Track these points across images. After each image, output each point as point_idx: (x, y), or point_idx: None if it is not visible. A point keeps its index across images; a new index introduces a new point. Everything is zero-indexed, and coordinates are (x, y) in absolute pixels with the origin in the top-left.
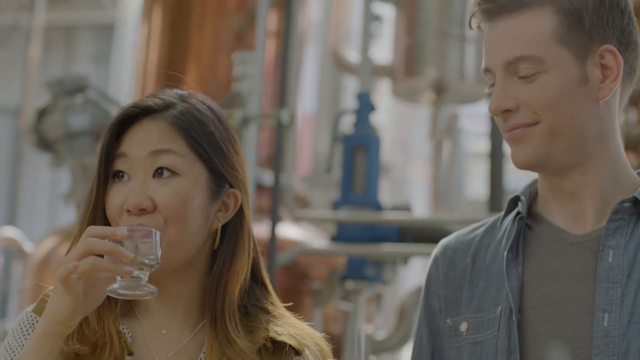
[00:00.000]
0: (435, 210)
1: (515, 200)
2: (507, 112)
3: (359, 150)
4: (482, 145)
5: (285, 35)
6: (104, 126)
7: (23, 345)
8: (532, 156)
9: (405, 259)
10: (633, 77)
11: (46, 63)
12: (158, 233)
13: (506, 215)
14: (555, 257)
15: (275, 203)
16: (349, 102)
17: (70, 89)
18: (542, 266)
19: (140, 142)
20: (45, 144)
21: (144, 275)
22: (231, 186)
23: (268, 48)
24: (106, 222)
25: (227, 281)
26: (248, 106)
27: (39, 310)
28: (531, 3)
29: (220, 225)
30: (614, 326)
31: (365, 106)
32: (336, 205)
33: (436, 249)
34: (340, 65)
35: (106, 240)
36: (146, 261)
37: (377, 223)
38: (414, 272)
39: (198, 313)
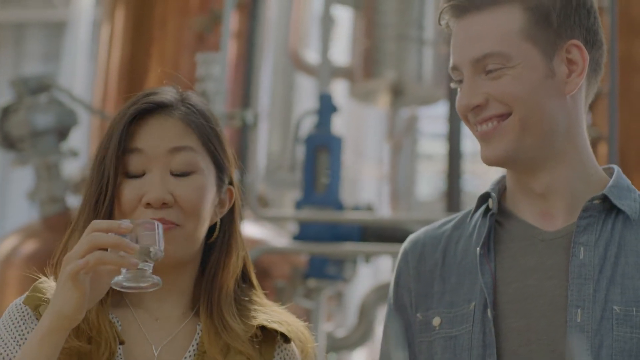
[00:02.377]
0: (393, 210)
1: (485, 197)
2: (476, 108)
3: (321, 150)
4: (432, 146)
5: (250, 37)
6: (68, 125)
7: (15, 337)
8: (503, 152)
9: (366, 257)
10: (598, 75)
11: None
12: (160, 225)
13: (475, 210)
14: (527, 253)
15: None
16: (302, 102)
17: (34, 87)
18: (515, 262)
19: (157, 138)
20: (9, 142)
21: (148, 267)
22: (229, 182)
23: (230, 49)
24: (110, 217)
25: (223, 273)
26: (213, 106)
27: (29, 302)
28: (500, 0)
29: (218, 219)
30: (586, 322)
31: (327, 107)
32: (298, 205)
33: (405, 243)
34: (298, 65)
35: (110, 233)
36: (151, 253)
37: (340, 222)
38: (374, 271)
39: (189, 302)
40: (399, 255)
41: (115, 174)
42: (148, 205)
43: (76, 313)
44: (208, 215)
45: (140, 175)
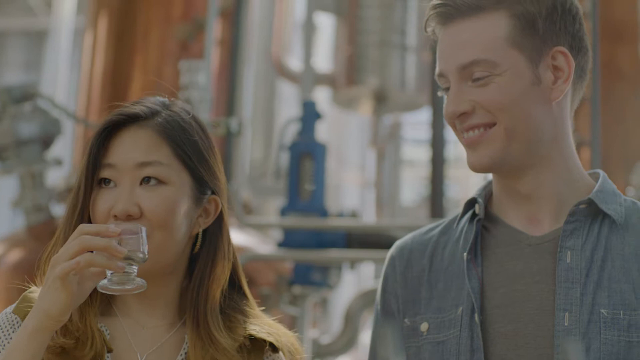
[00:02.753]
0: (377, 216)
1: (471, 202)
2: (463, 115)
3: (305, 157)
4: (414, 152)
5: (234, 45)
6: (52, 134)
7: (5, 345)
8: (489, 160)
9: (351, 264)
10: (583, 81)
11: None
12: (144, 229)
13: (462, 216)
14: (514, 258)
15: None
16: (284, 109)
17: (18, 96)
18: (502, 267)
19: (127, 151)
20: None
21: (133, 271)
22: (213, 192)
23: (213, 57)
24: None
25: (209, 284)
26: (197, 114)
27: (19, 311)
28: (486, 7)
29: (201, 230)
30: (574, 325)
31: (311, 114)
32: (283, 212)
33: (392, 249)
34: (281, 73)
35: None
36: (136, 256)
37: (324, 229)
38: (357, 277)
39: (176, 312)
40: (386, 261)
41: (89, 187)
42: (115, 217)
43: (62, 314)
44: (181, 226)
45: (114, 187)
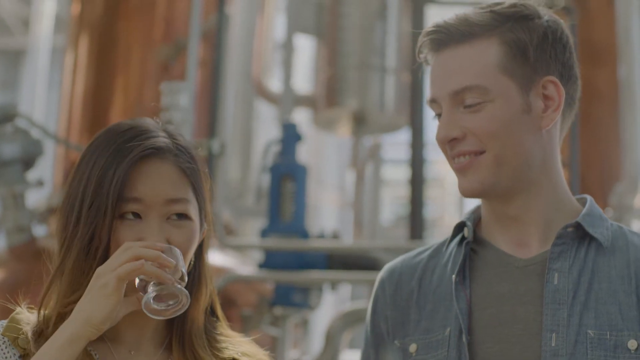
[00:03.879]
0: (356, 237)
1: (460, 226)
2: (453, 140)
3: (286, 179)
4: (391, 172)
5: (215, 66)
6: (34, 155)
7: None
8: (479, 185)
9: (332, 285)
10: (573, 109)
11: None
12: (180, 252)
13: (451, 240)
14: (502, 280)
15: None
16: (262, 130)
17: None
18: (490, 289)
19: (155, 186)
20: None
21: (177, 286)
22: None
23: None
24: (105, 259)
25: (194, 306)
26: None
27: (8, 332)
28: (478, 34)
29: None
30: (561, 346)
31: (292, 136)
32: (264, 233)
33: (382, 272)
34: (261, 94)
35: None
36: (182, 272)
37: (305, 250)
38: (337, 298)
39: (161, 334)
40: (376, 284)
41: (112, 219)
42: None
43: (104, 322)
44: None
45: (139, 220)
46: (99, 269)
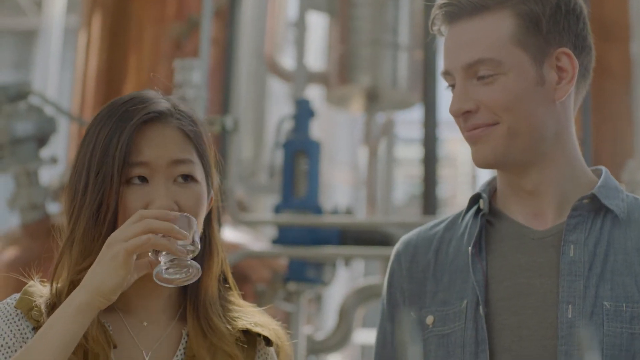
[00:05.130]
0: (370, 214)
1: (476, 198)
2: (467, 113)
3: (299, 155)
4: (405, 151)
5: (228, 43)
6: (48, 132)
7: (11, 329)
8: (492, 155)
9: (346, 260)
10: (587, 80)
11: None
12: (195, 220)
13: (467, 211)
14: (518, 252)
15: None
16: (274, 107)
17: (13, 95)
18: (506, 261)
19: (160, 148)
20: None
21: (189, 259)
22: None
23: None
24: (114, 226)
25: (207, 274)
26: None
27: (22, 305)
28: (491, 7)
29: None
30: (577, 317)
31: (305, 112)
32: (277, 209)
33: (397, 245)
34: (274, 71)
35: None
36: (196, 244)
37: (319, 226)
38: (351, 274)
39: (174, 305)
40: (392, 257)
41: (118, 185)
42: None
43: (114, 291)
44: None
45: (145, 184)
46: (110, 238)
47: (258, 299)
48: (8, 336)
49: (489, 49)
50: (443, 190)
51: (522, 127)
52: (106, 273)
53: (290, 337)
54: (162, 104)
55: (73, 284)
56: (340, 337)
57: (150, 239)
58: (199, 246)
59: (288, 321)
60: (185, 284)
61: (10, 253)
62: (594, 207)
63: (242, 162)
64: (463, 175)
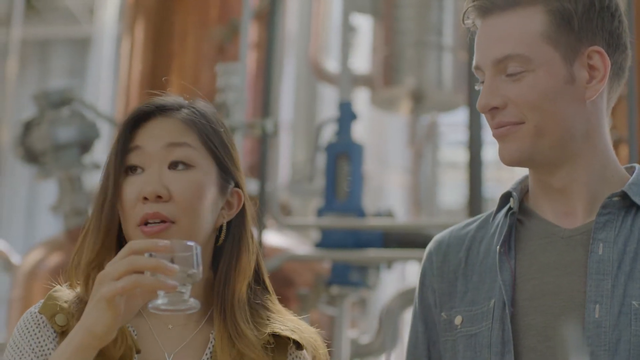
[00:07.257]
0: (415, 216)
1: (507, 196)
2: (494, 109)
3: (341, 158)
4: (454, 154)
5: (268, 46)
6: (91, 138)
7: (31, 345)
8: (518, 153)
9: (388, 263)
10: (621, 78)
11: (21, 78)
12: (199, 247)
13: (498, 211)
14: (546, 250)
15: (261, 211)
16: (325, 111)
17: (56, 101)
18: (534, 259)
19: (156, 135)
20: (31, 156)
21: (186, 290)
22: (236, 185)
23: (249, 59)
24: (116, 217)
25: (235, 277)
26: (233, 116)
27: (45, 310)
28: (523, 2)
29: (224, 222)
30: (605, 317)
31: (347, 115)
32: (320, 212)
33: (430, 244)
34: (319, 75)
35: (146, 254)
36: (189, 275)
37: (361, 229)
38: (399, 277)
39: (204, 309)
40: (424, 256)
41: (117, 172)
42: (145, 199)
43: (107, 334)
44: (207, 213)
45: (141, 173)
46: (99, 275)
47: (301, 303)
48: (27, 352)
49: (518, 45)
50: (489, 193)
51: (549, 126)
52: (95, 315)
53: (332, 341)
54: (169, 100)
55: (87, 279)
56: (384, 340)
57: (136, 281)
58: (200, 271)
59: (331, 325)
60: (183, 313)
61: (55, 259)
62: (624, 205)
63: (294, 166)
64: (510, 182)
